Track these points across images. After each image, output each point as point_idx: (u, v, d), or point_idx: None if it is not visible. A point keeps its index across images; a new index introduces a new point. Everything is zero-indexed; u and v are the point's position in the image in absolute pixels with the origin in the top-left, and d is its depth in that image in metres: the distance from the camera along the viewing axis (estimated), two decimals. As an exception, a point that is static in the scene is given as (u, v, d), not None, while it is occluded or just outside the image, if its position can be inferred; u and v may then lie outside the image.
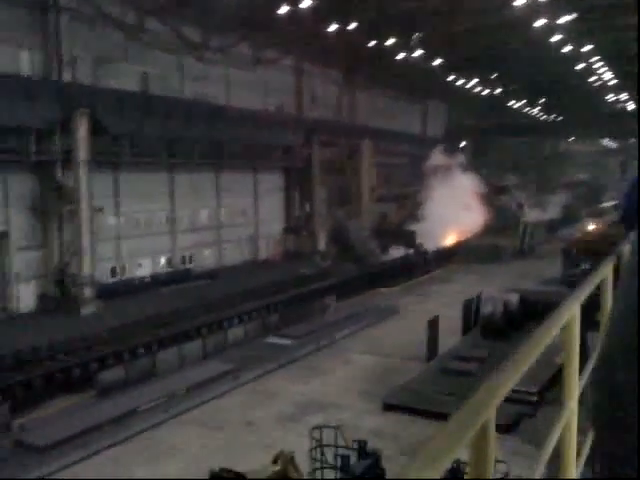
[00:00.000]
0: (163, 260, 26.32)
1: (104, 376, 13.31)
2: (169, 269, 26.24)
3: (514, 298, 18.32)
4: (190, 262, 27.36)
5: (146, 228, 25.61)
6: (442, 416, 11.96)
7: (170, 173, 26.63)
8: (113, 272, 23.98)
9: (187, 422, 11.71)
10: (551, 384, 13.36)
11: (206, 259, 28.29)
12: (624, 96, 52.58)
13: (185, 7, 26.04)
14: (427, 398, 12.58)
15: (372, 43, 32.91)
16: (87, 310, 20.41)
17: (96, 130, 21.71)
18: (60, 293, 21.01)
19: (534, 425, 11.73)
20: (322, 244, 31.71)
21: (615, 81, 45.22)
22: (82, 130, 21.00)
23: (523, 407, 12.28)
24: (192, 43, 27.96)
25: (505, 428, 11.31)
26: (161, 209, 26.40)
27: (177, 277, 25.63)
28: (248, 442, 10.83)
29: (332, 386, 13.77)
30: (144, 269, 25.34)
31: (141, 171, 25.17)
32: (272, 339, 16.90)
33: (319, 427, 8.58)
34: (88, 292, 20.86)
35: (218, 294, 20.91)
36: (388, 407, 12.48)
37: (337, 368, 15.00)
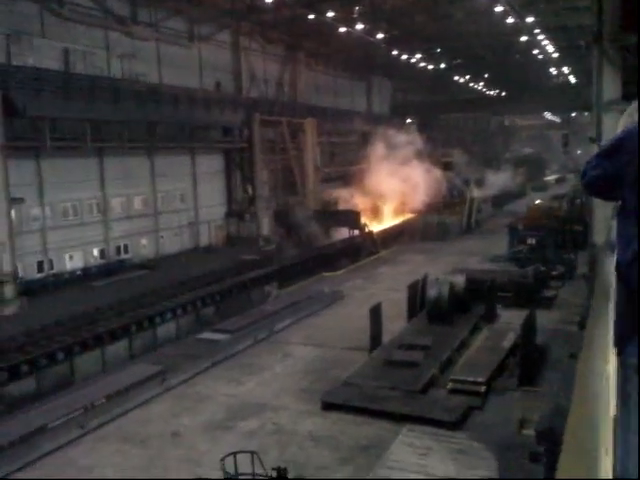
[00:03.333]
0: (96, 251, 24.72)
1: (11, 389, 11.99)
2: (102, 261, 24.68)
3: (460, 279, 17.71)
4: (125, 252, 25.82)
5: (75, 218, 23.93)
6: (385, 414, 11.18)
7: (99, 158, 24.92)
8: (40, 266, 22.34)
9: (105, 438, 10.57)
10: (499, 372, 12.76)
11: (143, 248, 26.77)
12: (566, 69, 52.73)
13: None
14: (369, 394, 11.77)
15: (312, 17, 31.58)
16: (9, 310, 18.78)
17: (11, 112, 19.90)
18: (-22, 292, 19.33)
19: (483, 419, 11.05)
20: (266, 228, 30.56)
21: (557, 54, 45.09)
22: (-7, 113, 19.19)
23: (470, 399, 11.61)
24: (119, 17, 26.19)
25: (451, 425, 10.59)
26: (91, 197, 24.71)
27: (111, 269, 24.13)
28: (171, 458, 9.78)
29: (268, 385, 12.82)
30: (75, 262, 23.70)
31: (66, 156, 23.39)
32: (206, 335, 15.77)
33: (233, 454, 7.56)
34: (9, 290, 19.22)
35: (152, 286, 19.58)
36: (328, 406, 11.62)
37: (275, 364, 14.06)
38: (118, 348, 14.52)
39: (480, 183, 39.96)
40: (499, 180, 45.29)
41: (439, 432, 10.30)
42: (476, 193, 36.43)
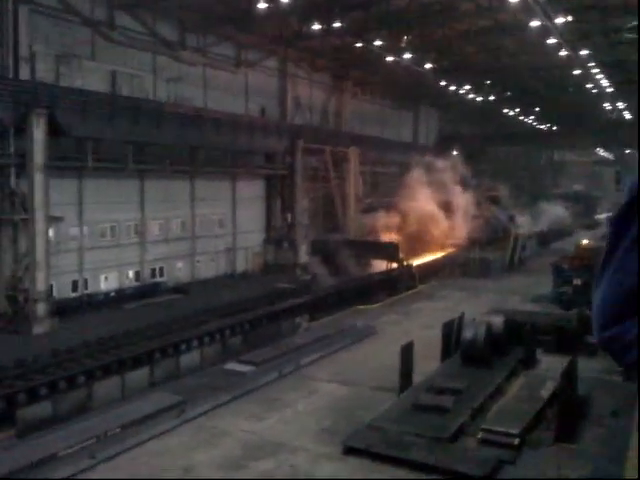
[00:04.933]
0: (131, 273, 24.76)
1: (26, 412, 11.77)
2: (137, 283, 24.67)
3: (499, 320, 16.86)
4: (161, 275, 25.83)
5: (113, 239, 24.09)
6: (408, 463, 10.48)
7: (140, 180, 25.13)
8: (75, 286, 22.45)
9: (114, 469, 10.17)
10: (535, 423, 11.89)
11: (178, 272, 26.73)
12: (621, 105, 51.27)
13: (160, 2, 24.64)
14: (394, 440, 11.06)
15: (359, 45, 31.43)
16: (39, 329, 18.83)
17: (55, 132, 20.18)
18: (12, 310, 19.44)
19: (515, 475, 10.24)
20: (303, 256, 30.20)
21: (611, 89, 43.85)
22: (38, 132, 19.42)
23: (502, 452, 10.79)
24: (167, 41, 26.60)
25: (480, 480, 9.82)
26: (130, 218, 24.87)
27: (145, 291, 24.08)
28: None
29: (290, 423, 12.25)
30: (110, 283, 23.80)
31: (108, 177, 23.67)
32: (231, 365, 15.34)
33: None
34: (42, 309, 19.27)
35: (182, 312, 19.34)
36: (349, 450, 10.97)
37: (299, 400, 13.49)
38: (138, 375, 14.21)
39: (526, 219, 38.84)
40: (547, 216, 44.00)
41: (466, 487, 9.56)
42: (521, 229, 35.37)
